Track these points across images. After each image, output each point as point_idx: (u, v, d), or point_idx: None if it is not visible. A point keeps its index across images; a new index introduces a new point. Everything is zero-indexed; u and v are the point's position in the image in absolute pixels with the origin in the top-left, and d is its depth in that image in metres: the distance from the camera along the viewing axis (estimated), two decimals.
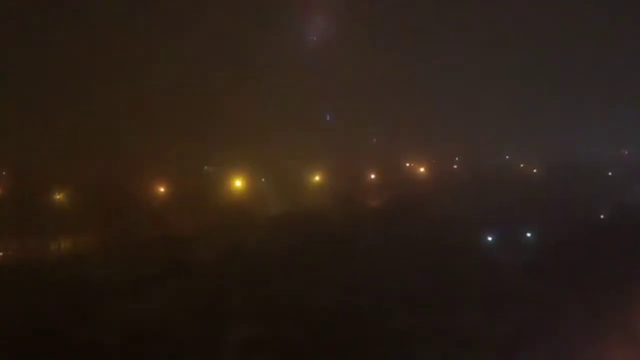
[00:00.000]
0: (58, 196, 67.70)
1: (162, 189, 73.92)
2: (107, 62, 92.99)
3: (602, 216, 73.17)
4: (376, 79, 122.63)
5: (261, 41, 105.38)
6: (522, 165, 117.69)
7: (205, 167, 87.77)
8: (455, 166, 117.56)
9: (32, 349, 35.36)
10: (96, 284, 46.51)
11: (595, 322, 38.69)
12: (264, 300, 43.61)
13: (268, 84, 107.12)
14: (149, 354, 35.90)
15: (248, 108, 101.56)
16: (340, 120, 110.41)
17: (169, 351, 36.11)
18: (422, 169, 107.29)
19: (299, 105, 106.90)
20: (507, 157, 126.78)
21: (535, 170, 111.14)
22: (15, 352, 35.24)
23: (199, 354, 36.39)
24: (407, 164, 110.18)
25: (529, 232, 65.51)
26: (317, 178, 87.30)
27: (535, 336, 37.81)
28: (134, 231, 62.45)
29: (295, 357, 36.33)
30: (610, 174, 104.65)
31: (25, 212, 61.86)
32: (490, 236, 64.58)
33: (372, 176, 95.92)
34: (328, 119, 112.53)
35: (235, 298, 44.40)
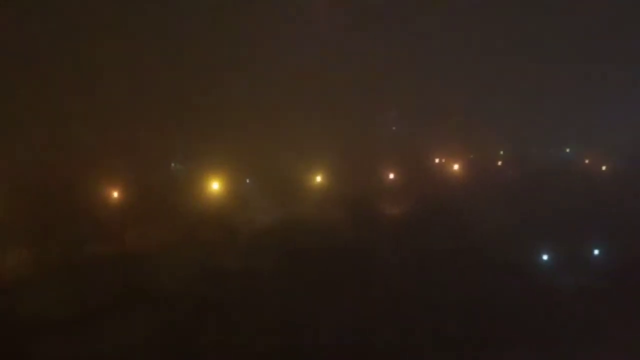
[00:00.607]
0: None
1: (116, 192, 73.54)
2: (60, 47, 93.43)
3: None
4: (397, 53, 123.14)
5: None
6: (587, 161, 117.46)
7: (173, 164, 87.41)
8: (499, 162, 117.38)
9: None
10: (28, 318, 46.05)
11: None
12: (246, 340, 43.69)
13: (259, 61, 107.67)
14: None
15: (230, 90, 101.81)
16: (349, 103, 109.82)
17: None
18: (456, 166, 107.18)
19: (295, 86, 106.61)
20: (567, 149, 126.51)
21: (604, 168, 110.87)
22: None
23: None
24: (437, 160, 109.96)
25: (596, 247, 65.62)
26: (318, 178, 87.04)
27: None
28: (79, 248, 61.91)
29: None
30: None
31: None
32: (546, 254, 64.65)
33: (391, 175, 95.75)
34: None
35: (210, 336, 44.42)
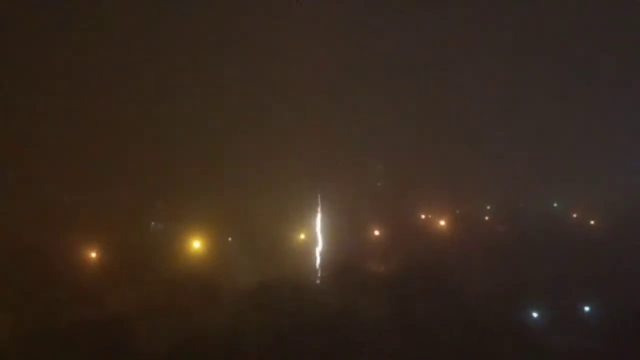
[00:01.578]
0: None
1: (94, 254, 73.21)
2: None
3: None
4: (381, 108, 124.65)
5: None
6: (575, 216, 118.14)
7: (153, 223, 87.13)
8: (486, 217, 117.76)
9: None
10: None
11: None
12: None
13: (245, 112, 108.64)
14: None
15: (212, 144, 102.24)
16: (332, 158, 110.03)
17: None
18: (442, 222, 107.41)
19: (281, 141, 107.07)
20: (554, 204, 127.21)
21: (592, 222, 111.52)
22: None
23: None
24: (423, 216, 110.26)
25: (587, 304, 65.68)
26: (302, 236, 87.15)
27: None
28: (56, 314, 60.94)
29: None
30: None
31: None
32: (536, 312, 64.42)
33: (376, 232, 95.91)
34: None
35: None
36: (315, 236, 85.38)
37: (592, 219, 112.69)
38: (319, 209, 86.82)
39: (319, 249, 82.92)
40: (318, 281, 73.42)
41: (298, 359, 52.15)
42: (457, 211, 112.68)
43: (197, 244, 77.65)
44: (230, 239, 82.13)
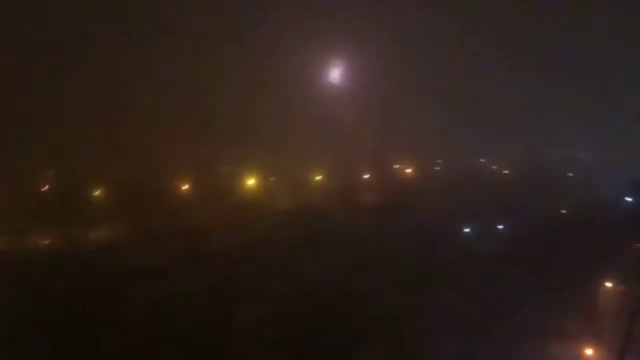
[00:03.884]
0: (95, 192, 67.96)
1: (184, 187, 73.97)
2: (121, 69, 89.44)
3: (563, 210, 73.84)
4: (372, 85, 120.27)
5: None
6: (494, 167, 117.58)
7: (223, 167, 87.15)
8: (436, 168, 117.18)
9: (69, 326, 36.04)
10: (129, 268, 46.85)
11: (553, 299, 39.78)
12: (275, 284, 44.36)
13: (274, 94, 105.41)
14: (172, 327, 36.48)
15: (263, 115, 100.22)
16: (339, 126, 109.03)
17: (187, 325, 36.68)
18: (407, 170, 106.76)
19: (303, 111, 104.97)
20: (482, 160, 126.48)
21: (505, 172, 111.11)
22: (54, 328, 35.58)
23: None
24: (396, 166, 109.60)
25: (500, 224, 66.19)
26: (318, 177, 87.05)
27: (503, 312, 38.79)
28: (163, 223, 62.17)
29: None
30: (570, 174, 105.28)
31: (65, 206, 61.90)
32: (467, 228, 65.56)
33: (366, 176, 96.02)
34: None
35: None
36: (327, 177, 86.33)
37: (506, 170, 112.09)
38: (330, 160, 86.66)
39: (329, 185, 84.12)
40: (328, 204, 73.95)
41: (316, 253, 52.61)
42: (418, 163, 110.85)
43: (251, 181, 78.08)
44: (272, 178, 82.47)
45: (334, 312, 38.33)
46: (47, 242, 59.24)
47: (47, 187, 69.03)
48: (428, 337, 35.84)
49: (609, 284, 44.10)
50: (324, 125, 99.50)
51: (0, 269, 46.74)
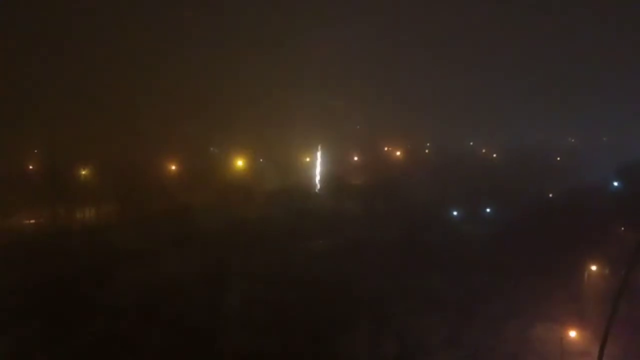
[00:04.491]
0: (84, 172, 67.34)
1: (174, 167, 73.51)
2: (117, 58, 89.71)
3: (550, 195, 74.37)
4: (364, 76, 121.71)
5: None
6: (483, 151, 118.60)
7: (212, 148, 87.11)
8: (426, 151, 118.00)
9: (61, 304, 35.64)
10: (121, 247, 46.33)
11: (539, 282, 40.04)
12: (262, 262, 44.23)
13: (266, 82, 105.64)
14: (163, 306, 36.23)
15: (249, 100, 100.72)
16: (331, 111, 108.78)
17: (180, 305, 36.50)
18: (397, 153, 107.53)
19: (293, 96, 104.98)
20: (471, 143, 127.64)
21: (495, 155, 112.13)
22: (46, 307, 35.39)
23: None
24: (385, 148, 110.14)
25: (487, 207, 67.01)
26: (307, 159, 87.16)
27: (488, 295, 39.02)
28: (152, 203, 62.43)
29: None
30: (558, 159, 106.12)
31: (55, 186, 61.26)
32: (455, 211, 65.80)
33: (356, 158, 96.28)
34: None
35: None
36: (316, 159, 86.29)
37: (494, 154, 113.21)
38: (320, 144, 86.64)
39: (318, 167, 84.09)
40: (317, 187, 73.95)
41: (302, 233, 53.03)
42: (408, 146, 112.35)
43: (240, 163, 77.74)
44: (261, 160, 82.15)
45: (320, 294, 38.25)
46: (32, 221, 58.78)
47: (32, 167, 68.56)
48: (414, 319, 35.87)
49: (594, 267, 44.66)
50: (314, 106, 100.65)
51: None
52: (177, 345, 32.48)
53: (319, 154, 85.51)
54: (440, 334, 33.75)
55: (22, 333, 32.18)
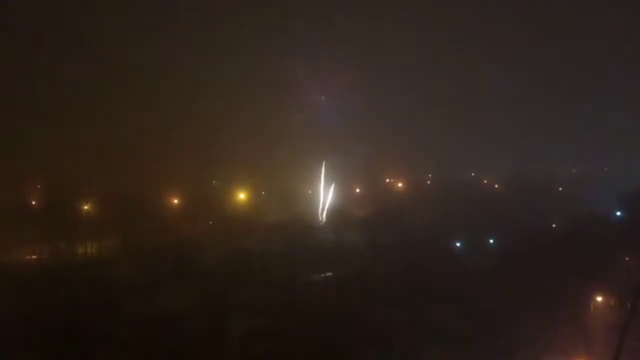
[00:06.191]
0: (85, 206, 67.62)
1: (177, 201, 73.74)
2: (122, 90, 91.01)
3: (553, 225, 73.89)
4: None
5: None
6: (485, 181, 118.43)
7: (214, 181, 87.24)
8: (428, 182, 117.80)
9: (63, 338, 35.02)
10: (122, 282, 46.17)
11: (545, 313, 39.46)
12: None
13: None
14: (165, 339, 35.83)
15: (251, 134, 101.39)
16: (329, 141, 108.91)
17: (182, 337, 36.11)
18: (399, 184, 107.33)
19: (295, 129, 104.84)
20: (472, 174, 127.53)
21: (497, 186, 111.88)
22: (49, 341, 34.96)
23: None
24: (387, 180, 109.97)
25: (491, 238, 66.49)
26: (309, 191, 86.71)
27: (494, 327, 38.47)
28: (155, 236, 62.06)
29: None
30: (560, 189, 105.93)
31: (55, 220, 61.27)
32: (458, 242, 65.37)
33: (357, 190, 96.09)
34: None
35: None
36: (319, 191, 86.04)
37: (496, 184, 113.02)
38: (322, 176, 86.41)
39: (321, 200, 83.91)
40: (321, 220, 73.61)
41: (306, 265, 52.99)
42: (409, 177, 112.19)
43: (242, 195, 77.86)
44: (263, 192, 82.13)
45: (325, 326, 37.80)
46: (35, 256, 58.58)
47: (35, 201, 68.71)
48: (419, 352, 35.31)
49: (599, 298, 44.13)
50: (315, 138, 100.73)
51: None
52: None
53: (321, 186, 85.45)
54: None
55: None
